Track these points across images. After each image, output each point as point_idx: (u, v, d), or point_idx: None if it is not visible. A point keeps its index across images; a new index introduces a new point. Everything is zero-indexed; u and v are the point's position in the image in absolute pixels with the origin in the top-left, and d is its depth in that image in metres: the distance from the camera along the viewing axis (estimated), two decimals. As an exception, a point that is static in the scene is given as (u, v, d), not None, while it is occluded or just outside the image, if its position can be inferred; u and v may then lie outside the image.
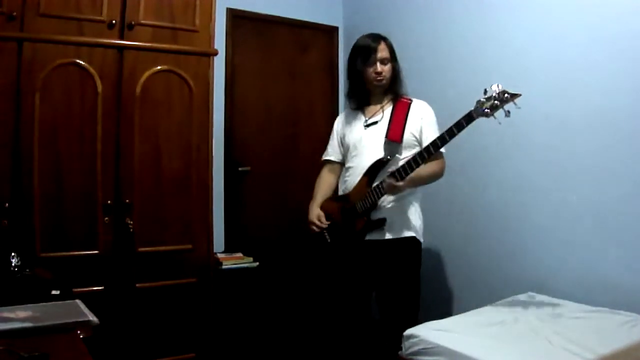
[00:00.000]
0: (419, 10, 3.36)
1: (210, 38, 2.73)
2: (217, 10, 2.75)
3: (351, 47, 2.48)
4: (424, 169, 2.21)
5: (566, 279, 2.51)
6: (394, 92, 2.42)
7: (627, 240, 2.30)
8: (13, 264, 1.98)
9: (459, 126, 2.06)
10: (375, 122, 2.39)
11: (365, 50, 2.34)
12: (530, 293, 2.55)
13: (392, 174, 2.18)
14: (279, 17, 3.74)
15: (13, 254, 2.02)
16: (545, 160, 2.63)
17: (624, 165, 2.31)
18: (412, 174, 2.18)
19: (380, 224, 2.31)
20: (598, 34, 2.40)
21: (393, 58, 2.40)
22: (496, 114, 2.00)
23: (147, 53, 2.56)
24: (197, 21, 2.67)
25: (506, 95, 1.97)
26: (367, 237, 2.34)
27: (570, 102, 2.52)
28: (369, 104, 2.45)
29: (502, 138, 2.79)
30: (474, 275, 2.98)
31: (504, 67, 2.81)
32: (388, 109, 2.40)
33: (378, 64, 2.34)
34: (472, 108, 2.03)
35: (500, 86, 1.99)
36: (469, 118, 2.04)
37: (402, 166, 2.18)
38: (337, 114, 4.02)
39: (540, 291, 2.54)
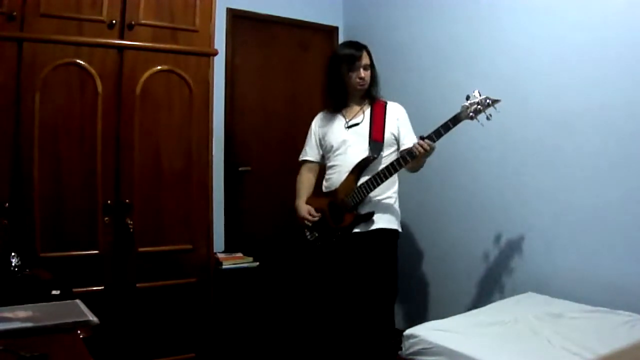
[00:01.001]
0: (418, 10, 3.36)
1: (210, 38, 2.73)
2: (217, 10, 2.75)
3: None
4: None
5: (566, 279, 2.51)
6: (371, 95, 2.61)
7: (627, 240, 2.30)
8: (13, 264, 1.98)
9: (446, 127, 2.28)
10: (357, 124, 2.57)
11: (349, 58, 2.53)
12: (530, 293, 2.55)
13: (427, 137, 2.30)
14: (279, 17, 3.74)
15: (13, 254, 2.02)
16: (545, 160, 2.64)
17: (624, 165, 2.31)
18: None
19: (369, 217, 2.48)
20: (598, 34, 2.40)
21: (372, 65, 2.59)
22: (479, 117, 2.24)
23: (147, 53, 2.55)
24: (197, 21, 2.67)
25: (488, 100, 2.22)
26: (354, 230, 2.51)
27: (570, 102, 2.52)
28: (347, 106, 2.63)
29: (502, 138, 2.79)
30: (473, 275, 2.98)
31: (504, 66, 2.82)
32: (367, 111, 2.59)
33: (361, 70, 2.53)
34: (458, 111, 2.25)
35: (480, 93, 2.23)
36: (454, 120, 2.27)
37: (433, 133, 2.31)
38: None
39: (540, 291, 2.54)
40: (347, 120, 2.59)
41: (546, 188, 2.63)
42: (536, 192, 2.68)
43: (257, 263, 3.20)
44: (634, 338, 1.93)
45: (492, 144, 2.86)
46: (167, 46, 2.60)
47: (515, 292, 2.62)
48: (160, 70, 2.59)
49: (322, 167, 2.74)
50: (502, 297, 2.53)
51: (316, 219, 2.57)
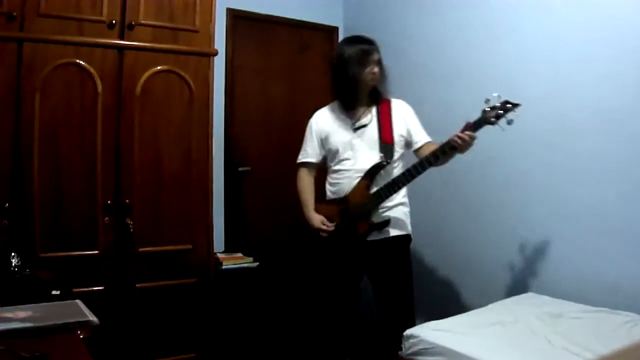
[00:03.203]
0: (419, 10, 3.36)
1: (210, 38, 2.73)
2: (217, 10, 2.75)
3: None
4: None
5: (566, 279, 2.51)
6: (378, 94, 2.46)
7: (627, 240, 2.30)
8: (13, 264, 1.98)
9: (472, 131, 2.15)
10: (365, 125, 2.43)
11: (362, 53, 2.38)
12: (530, 293, 2.56)
13: (467, 128, 2.16)
14: (278, 17, 3.74)
15: (13, 254, 2.02)
16: (545, 159, 2.64)
17: (624, 165, 2.31)
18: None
19: (384, 225, 2.37)
20: (598, 33, 2.41)
21: (381, 61, 2.44)
22: (500, 122, 2.12)
23: (147, 53, 2.55)
24: (197, 21, 2.67)
25: (508, 105, 2.10)
26: (368, 238, 2.40)
27: (570, 101, 2.52)
28: (354, 106, 2.47)
29: (502, 137, 2.78)
30: (474, 275, 2.98)
31: (505, 67, 2.82)
32: (373, 112, 2.45)
33: (374, 65, 2.39)
34: (479, 117, 2.14)
35: (500, 96, 2.11)
36: (476, 126, 2.15)
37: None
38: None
39: (540, 291, 2.55)
40: (354, 121, 2.45)
41: (546, 188, 2.63)
42: (536, 192, 2.68)
43: (257, 263, 3.20)
44: (634, 338, 1.93)
45: (491, 144, 2.85)
46: (167, 46, 2.60)
47: (515, 292, 2.62)
48: (160, 71, 2.59)
49: (321, 169, 2.61)
50: (502, 297, 2.53)
51: (332, 228, 2.44)
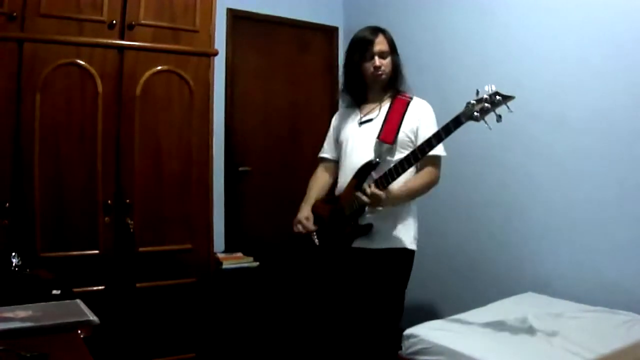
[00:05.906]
0: (419, 10, 3.37)
1: (211, 38, 2.73)
2: (217, 10, 2.75)
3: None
4: (416, 181, 2.09)
5: (566, 279, 2.51)
6: (393, 88, 2.23)
7: (626, 240, 2.30)
8: (14, 264, 1.99)
9: (447, 130, 1.89)
10: (370, 120, 2.20)
11: (362, 43, 2.17)
12: (530, 293, 2.56)
13: (375, 182, 1.98)
14: (279, 17, 3.75)
15: (14, 253, 2.02)
16: (545, 160, 2.64)
17: (624, 165, 2.32)
18: (404, 188, 2.05)
19: (367, 230, 2.11)
20: (598, 33, 2.41)
21: (393, 51, 2.22)
22: (487, 118, 1.79)
23: (147, 53, 2.56)
24: (198, 21, 2.68)
25: (498, 97, 1.77)
26: (354, 245, 2.16)
27: (570, 101, 2.52)
28: (366, 100, 2.26)
29: (502, 137, 2.79)
30: (474, 275, 2.98)
31: (504, 66, 2.82)
32: (385, 107, 2.20)
33: (376, 57, 2.15)
34: (461, 111, 1.84)
35: (493, 87, 1.80)
36: (456, 122, 1.86)
37: (386, 172, 2.00)
38: (337, 114, 4.04)
39: (540, 291, 2.55)
40: (362, 115, 2.23)
41: (546, 188, 2.63)
42: (536, 192, 2.68)
43: (257, 263, 3.20)
44: (633, 338, 1.94)
45: (492, 144, 2.86)
46: (168, 46, 2.61)
47: (515, 292, 2.62)
48: (160, 71, 2.59)
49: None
50: (502, 297, 2.52)
51: (311, 228, 2.23)
